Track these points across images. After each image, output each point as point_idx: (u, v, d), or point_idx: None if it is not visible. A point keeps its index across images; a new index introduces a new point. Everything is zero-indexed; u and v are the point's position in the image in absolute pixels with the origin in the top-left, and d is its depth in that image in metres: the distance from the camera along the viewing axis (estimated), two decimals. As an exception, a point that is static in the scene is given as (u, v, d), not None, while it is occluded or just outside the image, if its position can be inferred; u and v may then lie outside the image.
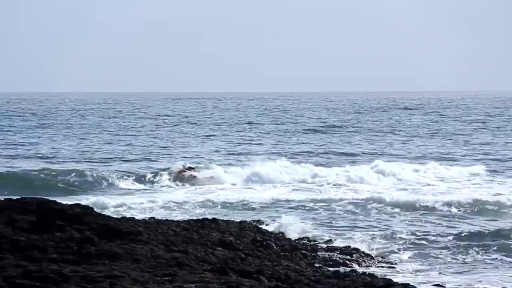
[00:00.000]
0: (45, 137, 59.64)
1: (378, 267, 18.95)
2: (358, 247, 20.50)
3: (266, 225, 23.04)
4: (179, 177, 36.36)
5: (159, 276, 13.26)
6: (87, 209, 17.22)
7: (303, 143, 55.93)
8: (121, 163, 42.19)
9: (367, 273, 16.70)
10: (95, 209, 18.11)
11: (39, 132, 63.99)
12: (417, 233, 22.90)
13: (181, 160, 40.05)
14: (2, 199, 18.45)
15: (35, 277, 12.48)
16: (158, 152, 48.40)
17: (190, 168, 37.15)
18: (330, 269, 17.57)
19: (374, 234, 22.69)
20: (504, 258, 19.95)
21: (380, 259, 19.70)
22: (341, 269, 17.74)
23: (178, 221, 20.99)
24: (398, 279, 16.89)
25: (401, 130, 67.88)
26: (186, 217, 24.65)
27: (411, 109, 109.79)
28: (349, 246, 20.58)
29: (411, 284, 15.29)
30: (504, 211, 27.41)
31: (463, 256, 20.13)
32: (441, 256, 20.09)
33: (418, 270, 18.67)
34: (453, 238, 22.24)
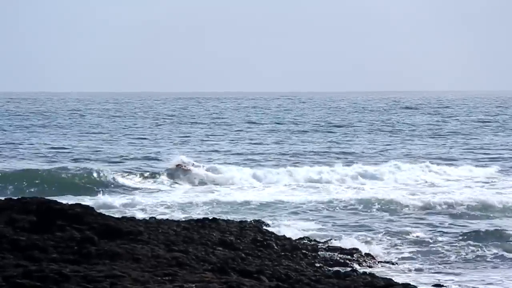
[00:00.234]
0: (46, 136, 59.62)
1: (378, 266, 18.95)
2: (358, 247, 20.49)
3: (267, 225, 23.02)
4: (176, 170, 36.44)
5: (160, 275, 13.27)
6: (87, 209, 17.22)
7: (303, 142, 55.90)
8: (122, 163, 42.21)
9: (367, 272, 16.70)
10: (95, 209, 18.09)
11: (39, 132, 63.98)
12: (417, 233, 22.90)
13: (180, 155, 40.13)
14: (3, 199, 18.44)
15: (36, 277, 12.48)
16: (159, 152, 48.38)
17: (187, 164, 37.23)
18: (331, 268, 17.56)
19: (374, 234, 22.69)
20: (506, 258, 19.94)
21: (380, 258, 19.69)
22: (342, 269, 17.70)
23: (178, 221, 20.99)
24: (398, 279, 16.88)
25: (401, 130, 67.87)
26: (186, 216, 24.64)
27: (412, 108, 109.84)
28: (350, 247, 20.57)
29: (411, 284, 15.28)
30: (507, 211, 27.39)
31: (464, 256, 20.12)
32: (442, 256, 20.08)
33: (419, 270, 18.66)
34: (454, 238, 22.24)
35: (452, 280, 17.60)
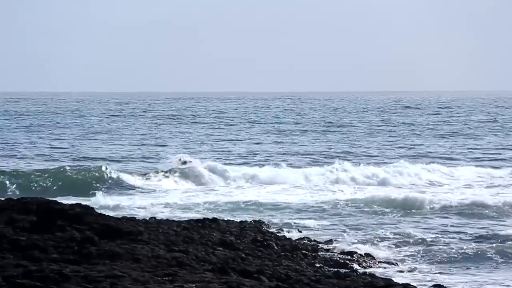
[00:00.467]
0: (46, 136, 59.62)
1: (378, 267, 18.95)
2: (358, 247, 20.49)
3: (267, 225, 23.03)
4: (176, 170, 36.52)
5: (160, 276, 13.28)
6: (87, 209, 17.24)
7: (303, 142, 55.89)
8: (122, 163, 42.22)
9: (367, 273, 16.71)
10: (95, 209, 18.10)
11: (39, 132, 63.97)
12: (418, 233, 22.89)
13: (180, 153, 40.17)
14: (3, 199, 18.45)
15: (36, 277, 12.49)
16: (159, 151, 48.37)
17: (187, 163, 37.33)
18: (331, 269, 17.56)
19: (374, 234, 22.68)
20: (507, 259, 19.92)
21: (380, 259, 19.69)
22: (342, 269, 17.71)
23: (178, 221, 21.00)
24: (398, 279, 16.89)
25: (401, 130, 67.85)
26: (187, 216, 24.65)
27: (412, 108, 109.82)
28: (350, 247, 20.57)
29: (411, 284, 15.29)
30: (509, 212, 27.37)
31: (465, 257, 20.10)
32: (443, 256, 20.07)
33: (419, 270, 18.65)
34: (455, 239, 22.23)
35: (453, 280, 17.60)
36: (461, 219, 26.09)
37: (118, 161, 43.11)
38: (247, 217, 24.93)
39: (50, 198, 18.65)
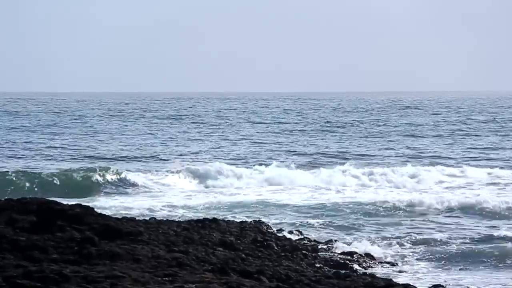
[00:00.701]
0: (47, 136, 59.60)
1: (379, 267, 18.95)
2: (359, 247, 20.50)
3: (267, 225, 23.01)
4: (177, 171, 36.61)
5: (160, 276, 13.27)
6: (87, 209, 17.22)
7: (305, 142, 55.89)
8: (122, 163, 42.20)
9: (367, 273, 16.70)
10: (95, 209, 18.08)
11: (39, 132, 63.93)
12: (418, 233, 22.90)
13: (179, 158, 40.18)
14: (3, 199, 18.44)
15: (36, 278, 12.48)
16: (160, 152, 48.34)
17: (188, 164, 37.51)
18: (331, 269, 17.56)
19: (374, 235, 22.70)
20: (505, 260, 19.90)
21: (380, 259, 19.69)
22: (342, 269, 17.70)
23: (178, 221, 20.99)
24: (398, 279, 16.89)
25: (402, 130, 67.84)
26: (187, 217, 24.65)
27: (412, 108, 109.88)
28: (350, 247, 20.58)
29: (411, 284, 15.28)
30: (509, 213, 27.37)
31: (465, 257, 20.10)
32: (443, 257, 20.07)
33: (419, 270, 18.65)
34: (455, 239, 22.22)
35: (453, 280, 17.60)
36: (462, 220, 26.10)
37: (118, 162, 43.07)
38: (249, 217, 24.92)
39: (50, 199, 18.63)
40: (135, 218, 20.72)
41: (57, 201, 17.71)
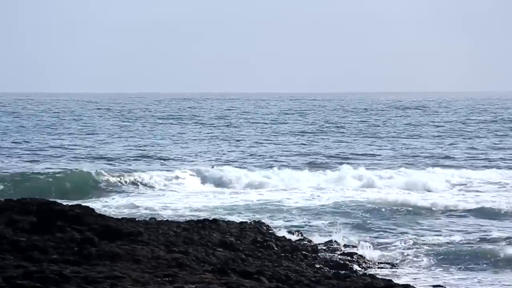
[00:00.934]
0: (47, 136, 59.60)
1: (378, 268, 18.96)
2: (359, 248, 20.51)
3: (267, 226, 22.98)
4: (180, 172, 36.66)
5: (160, 276, 13.28)
6: (87, 210, 17.22)
7: (305, 143, 55.86)
8: (123, 164, 42.18)
9: (367, 274, 16.70)
10: (95, 210, 18.09)
11: (40, 132, 63.94)
12: (419, 234, 22.91)
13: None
14: (3, 199, 18.44)
15: (36, 278, 12.49)
16: (163, 152, 48.32)
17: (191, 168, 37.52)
18: (331, 270, 17.56)
19: (375, 235, 22.70)
20: (505, 261, 19.89)
21: (380, 260, 19.69)
22: (342, 270, 17.70)
23: (178, 222, 20.98)
24: (399, 280, 16.89)
25: (401, 131, 67.84)
26: (188, 217, 24.67)
27: (412, 109, 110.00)
28: (350, 248, 20.59)
29: (411, 285, 15.28)
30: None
31: (466, 257, 20.08)
32: (443, 257, 20.06)
33: (419, 271, 18.66)
34: (456, 240, 22.23)
35: (454, 281, 17.61)
36: (464, 220, 26.10)
37: (119, 163, 43.05)
38: (251, 218, 24.90)
39: (51, 200, 18.63)
40: (135, 218, 20.72)
41: (57, 202, 17.73)
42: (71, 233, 15.63)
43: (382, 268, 18.92)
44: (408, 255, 20.24)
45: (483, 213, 27.36)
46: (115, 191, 33.95)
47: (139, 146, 52.46)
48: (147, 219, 21.57)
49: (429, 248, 20.94)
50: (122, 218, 19.87)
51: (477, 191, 33.21)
